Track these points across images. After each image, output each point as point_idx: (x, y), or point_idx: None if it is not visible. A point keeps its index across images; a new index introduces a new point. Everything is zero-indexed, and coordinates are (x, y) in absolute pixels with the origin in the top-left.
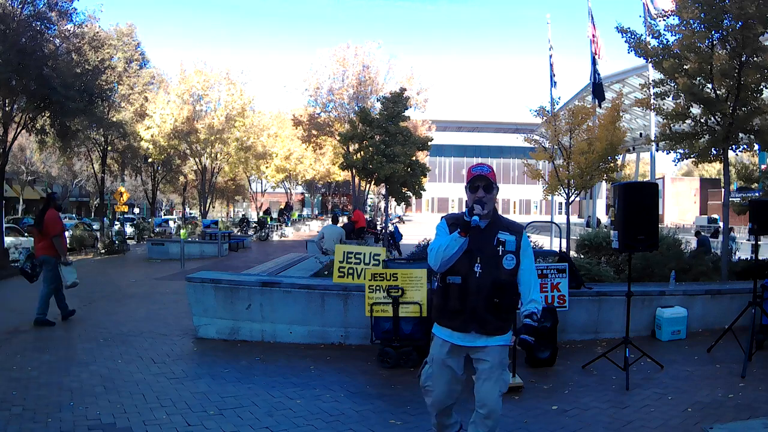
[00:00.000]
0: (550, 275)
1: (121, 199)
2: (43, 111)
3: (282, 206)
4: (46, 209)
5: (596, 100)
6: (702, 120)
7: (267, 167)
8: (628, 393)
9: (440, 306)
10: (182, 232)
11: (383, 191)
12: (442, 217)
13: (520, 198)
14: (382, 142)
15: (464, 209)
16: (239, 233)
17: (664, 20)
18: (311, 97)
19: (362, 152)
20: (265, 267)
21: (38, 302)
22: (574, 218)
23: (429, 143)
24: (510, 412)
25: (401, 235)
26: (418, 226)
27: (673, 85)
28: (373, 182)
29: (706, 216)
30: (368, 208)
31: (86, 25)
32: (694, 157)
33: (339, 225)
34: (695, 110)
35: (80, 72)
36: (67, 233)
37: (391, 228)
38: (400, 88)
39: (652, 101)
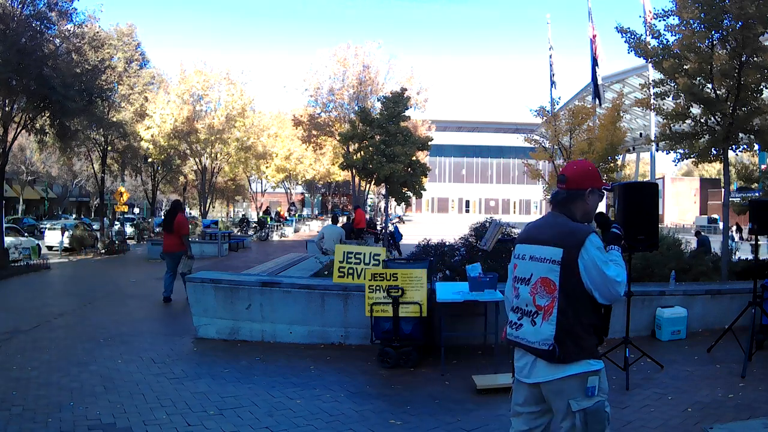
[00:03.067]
0: None
1: (121, 199)
2: (42, 111)
3: (281, 206)
4: (176, 214)
5: (596, 100)
6: (702, 120)
7: (267, 167)
8: (628, 393)
9: (604, 333)
10: None
11: (383, 191)
12: (594, 233)
13: (520, 198)
14: (382, 142)
15: (589, 218)
16: (239, 233)
17: (663, 20)
18: (311, 97)
19: (362, 152)
20: (265, 267)
21: (185, 289)
22: None
23: (429, 143)
24: (510, 412)
25: (401, 235)
26: (418, 226)
27: (673, 85)
28: (373, 182)
29: (706, 216)
30: (368, 208)
31: (86, 25)
32: (694, 157)
33: (339, 225)
34: (695, 110)
35: (80, 72)
36: (67, 233)
37: (391, 228)
38: (401, 88)
39: (652, 101)
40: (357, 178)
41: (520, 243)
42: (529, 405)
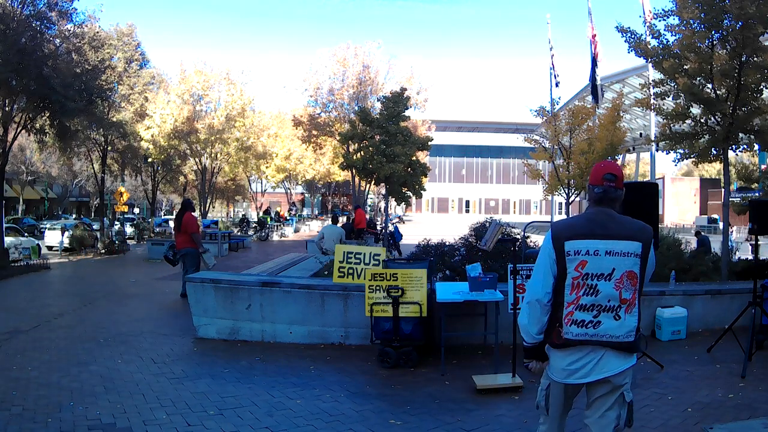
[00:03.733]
0: None
1: (121, 199)
2: (42, 111)
3: (281, 206)
4: (184, 213)
5: (596, 101)
6: (702, 120)
7: (267, 167)
8: None
9: None
10: None
11: (383, 191)
12: None
13: (520, 198)
14: (382, 142)
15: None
16: (239, 233)
17: (663, 20)
18: (311, 98)
19: (362, 152)
20: (265, 267)
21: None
22: None
23: (429, 143)
24: (510, 412)
25: (401, 235)
26: (418, 226)
27: (673, 85)
28: (373, 182)
29: (706, 216)
30: (368, 208)
31: (86, 25)
32: (694, 157)
33: (339, 225)
34: (695, 110)
35: (80, 72)
36: (67, 233)
37: (391, 228)
38: (401, 88)
39: (652, 101)
40: (357, 178)
41: (579, 239)
42: (568, 406)
